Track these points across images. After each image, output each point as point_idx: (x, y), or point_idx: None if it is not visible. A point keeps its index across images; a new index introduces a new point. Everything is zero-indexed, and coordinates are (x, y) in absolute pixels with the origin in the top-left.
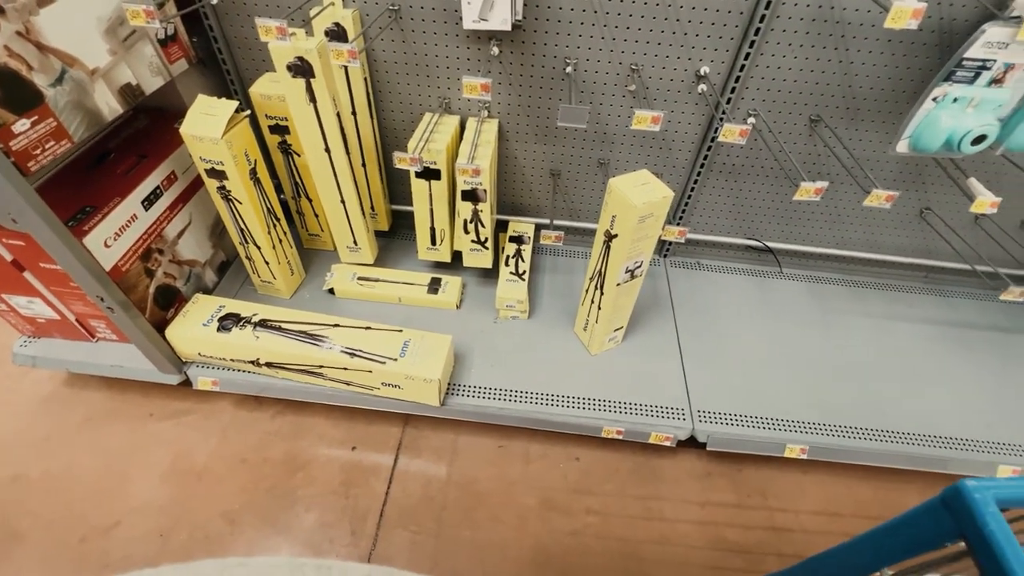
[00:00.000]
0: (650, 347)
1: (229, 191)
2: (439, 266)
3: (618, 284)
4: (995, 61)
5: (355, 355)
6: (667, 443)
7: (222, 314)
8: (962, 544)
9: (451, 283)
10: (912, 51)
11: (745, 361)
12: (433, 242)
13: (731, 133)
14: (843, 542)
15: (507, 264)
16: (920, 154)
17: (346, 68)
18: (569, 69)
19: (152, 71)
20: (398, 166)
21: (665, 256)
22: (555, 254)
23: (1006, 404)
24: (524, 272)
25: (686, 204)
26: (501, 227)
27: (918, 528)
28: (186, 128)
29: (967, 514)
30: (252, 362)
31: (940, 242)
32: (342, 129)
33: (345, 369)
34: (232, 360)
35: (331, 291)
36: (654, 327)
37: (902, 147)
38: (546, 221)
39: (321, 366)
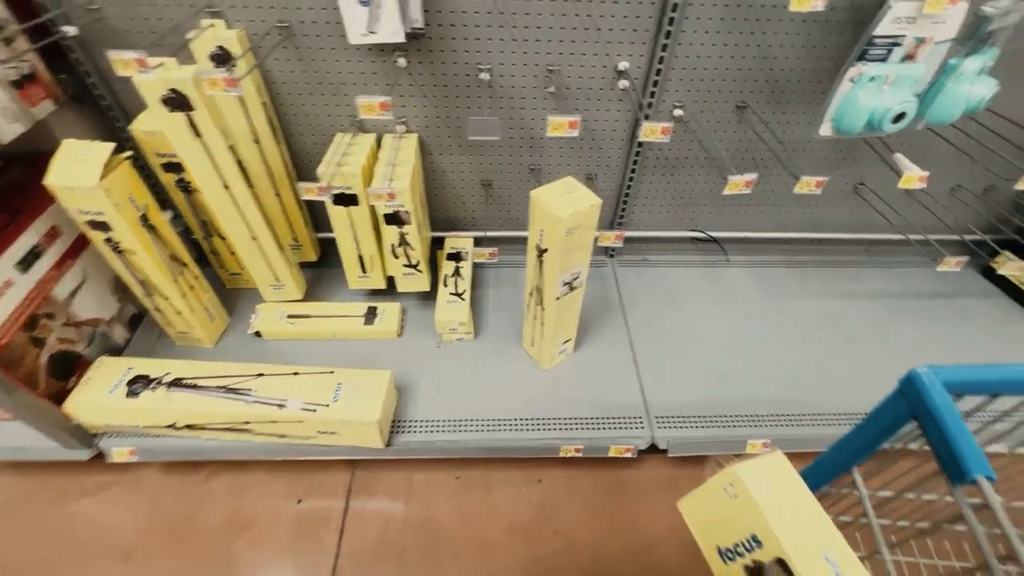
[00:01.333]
0: (603, 354)
1: (118, 243)
2: (376, 292)
3: (557, 298)
4: (905, 36)
5: (283, 406)
6: (628, 455)
7: (130, 377)
8: (916, 425)
9: (388, 311)
10: (827, 30)
11: (700, 357)
12: (363, 270)
13: (653, 132)
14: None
15: (445, 284)
16: (844, 136)
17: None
18: (484, 75)
19: (7, 117)
20: (305, 198)
21: (611, 256)
22: (498, 265)
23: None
24: (464, 292)
25: (625, 202)
26: (438, 244)
27: (881, 418)
28: (53, 179)
29: (917, 395)
30: (170, 426)
31: (878, 215)
32: (240, 162)
33: (274, 422)
34: (147, 427)
35: (258, 334)
36: (605, 332)
37: (825, 130)
38: (482, 235)
39: (247, 422)
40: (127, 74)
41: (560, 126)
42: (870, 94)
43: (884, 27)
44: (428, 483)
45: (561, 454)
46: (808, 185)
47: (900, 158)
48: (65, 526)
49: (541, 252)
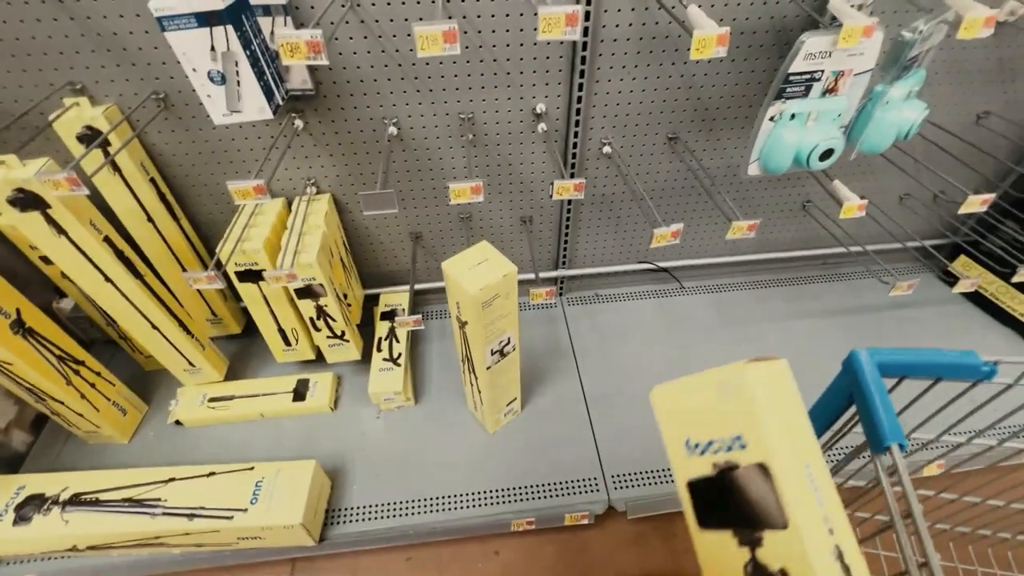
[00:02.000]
0: (554, 409)
1: None
2: (309, 361)
3: (488, 367)
4: (823, 71)
5: (194, 516)
6: (584, 521)
7: (20, 500)
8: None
9: (321, 382)
10: (751, 54)
11: None
12: (287, 343)
13: (565, 190)
14: None
15: (379, 349)
16: (774, 175)
17: (121, 174)
18: (391, 129)
19: None
20: (196, 287)
21: (561, 295)
22: (440, 316)
23: None
24: (399, 355)
25: (566, 241)
26: (374, 301)
27: (828, 397)
28: None
29: (854, 374)
30: (71, 549)
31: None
32: (119, 252)
33: (187, 534)
34: (45, 552)
35: (179, 422)
36: (556, 383)
37: (753, 170)
38: (422, 287)
39: (157, 536)
40: None
41: (463, 193)
42: (793, 132)
43: (798, 64)
44: (376, 568)
45: (513, 528)
46: (740, 230)
47: (839, 187)
48: None
49: (462, 324)
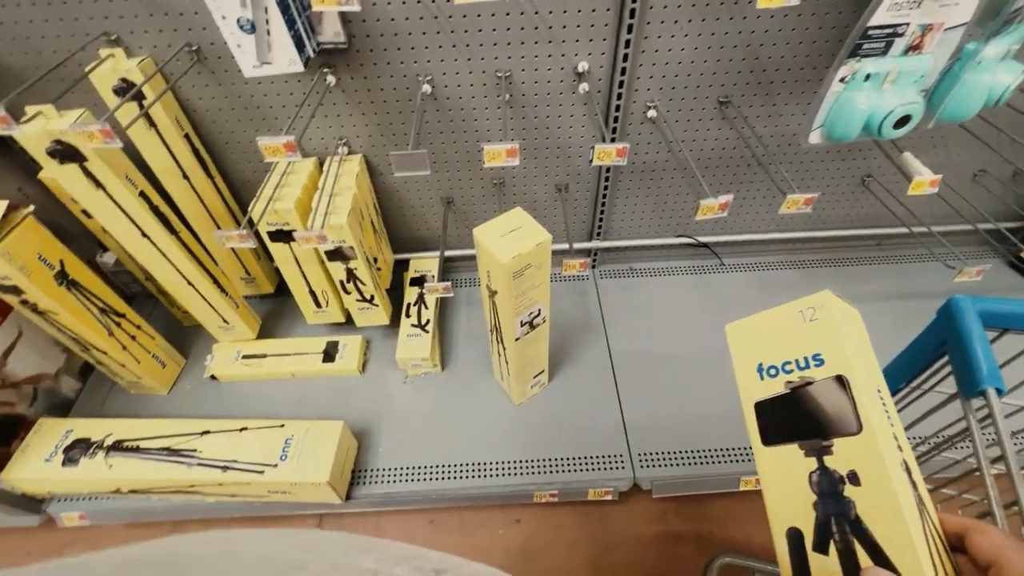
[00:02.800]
0: (581, 384)
1: (35, 304)
2: (339, 324)
3: (517, 339)
4: (907, 25)
5: (228, 468)
6: (608, 497)
7: (68, 442)
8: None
9: (350, 345)
10: (821, 7)
11: (689, 381)
12: (318, 304)
13: (607, 155)
14: None
15: (408, 315)
16: (838, 143)
17: (156, 129)
18: (425, 87)
19: None
20: (228, 246)
21: (594, 267)
22: (470, 284)
23: None
24: (428, 322)
25: (602, 211)
26: (404, 266)
27: (917, 346)
28: None
29: (951, 320)
30: (115, 491)
31: (888, 209)
32: (155, 208)
33: (221, 484)
34: (92, 492)
35: (214, 377)
36: (584, 357)
37: (815, 138)
38: (452, 254)
39: (192, 485)
40: None
41: (497, 155)
42: (867, 95)
43: (880, 15)
44: (400, 528)
45: (536, 499)
46: (796, 204)
47: (909, 159)
48: None
49: (492, 293)
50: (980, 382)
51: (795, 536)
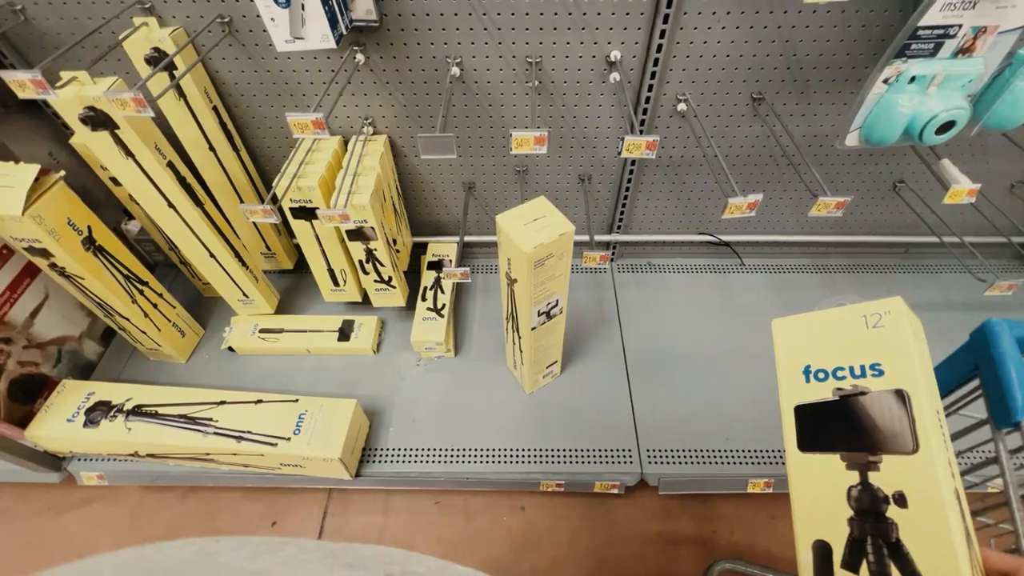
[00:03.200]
0: (593, 377)
1: (63, 268)
2: (355, 303)
3: (533, 328)
4: (959, 27)
5: (242, 438)
6: (614, 491)
7: (90, 404)
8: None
9: (365, 325)
10: (866, 4)
11: (701, 381)
12: (336, 283)
13: (636, 147)
14: None
15: (424, 298)
16: (876, 147)
17: (186, 100)
18: (454, 70)
19: None
20: (252, 220)
21: (612, 260)
22: (487, 271)
23: None
24: (443, 306)
25: (624, 204)
26: (421, 249)
27: (946, 368)
28: None
29: (984, 344)
30: (133, 455)
31: (920, 217)
32: (183, 179)
33: (235, 454)
34: (111, 454)
35: (231, 348)
36: (598, 350)
37: (852, 140)
38: (471, 240)
39: (207, 453)
40: (28, 96)
41: (525, 142)
42: (910, 98)
43: (932, 15)
44: (406, 506)
45: (542, 488)
46: (827, 207)
47: (947, 167)
48: (45, 541)
49: (511, 281)
50: (1016, 413)
51: (823, 549)
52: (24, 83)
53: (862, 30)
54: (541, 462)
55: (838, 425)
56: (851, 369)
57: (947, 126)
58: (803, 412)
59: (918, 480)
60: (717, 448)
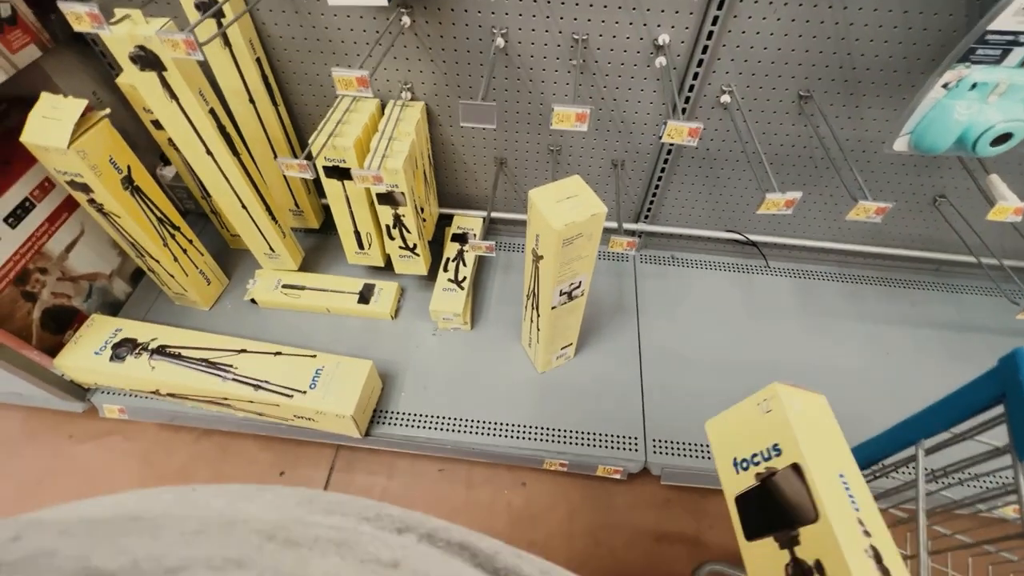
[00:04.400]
0: (606, 363)
1: (101, 204)
2: (378, 267)
3: (553, 308)
4: None
5: (259, 387)
6: (617, 476)
7: (117, 340)
8: (1000, 409)
9: (385, 290)
10: (931, 7)
11: (713, 379)
12: (360, 246)
13: (679, 133)
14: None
15: (446, 269)
16: (924, 154)
17: (231, 49)
18: (499, 41)
19: None
20: (287, 174)
21: (636, 249)
22: (509, 249)
23: None
24: (464, 279)
25: (654, 194)
26: (447, 220)
27: (967, 394)
28: (28, 136)
29: (1014, 372)
30: (154, 392)
31: (957, 234)
32: (222, 128)
33: (251, 402)
34: (133, 389)
35: (253, 300)
36: (614, 337)
37: (900, 145)
38: (497, 215)
39: (225, 398)
40: (83, 30)
41: (567, 118)
42: (968, 106)
43: (1005, 20)
44: (410, 471)
45: (545, 466)
46: (866, 211)
47: (995, 183)
48: (63, 467)
49: (537, 258)
50: None
51: None
52: (81, 16)
53: (922, 33)
54: (547, 440)
55: (766, 508)
56: (762, 454)
57: (1003, 138)
58: (741, 502)
59: (826, 546)
60: None
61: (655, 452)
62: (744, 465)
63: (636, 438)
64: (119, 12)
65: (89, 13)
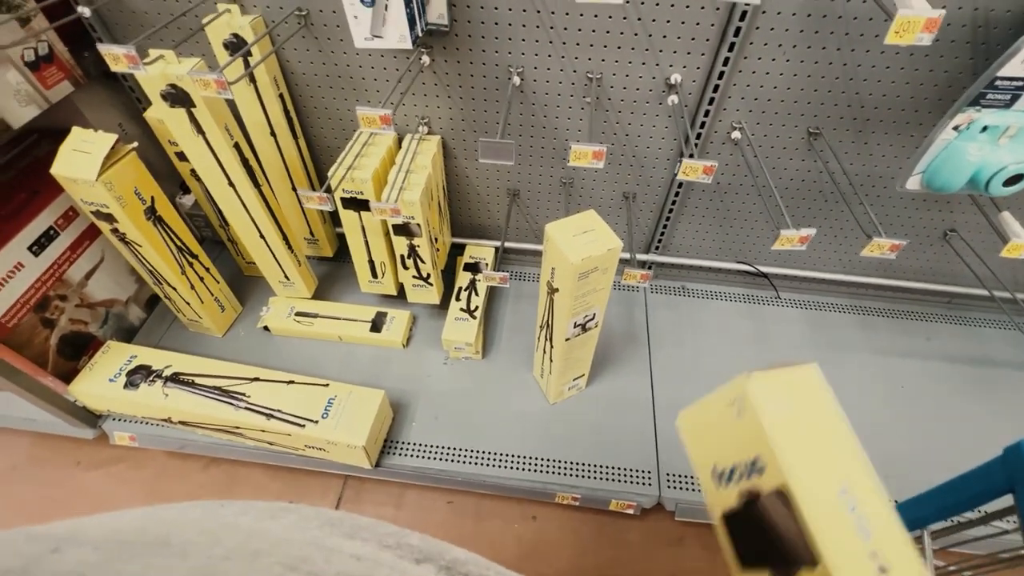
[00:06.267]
0: (619, 394)
1: (124, 234)
2: (390, 296)
3: (567, 339)
4: None
5: (272, 416)
6: (630, 511)
7: (132, 367)
8: (1009, 499)
9: (398, 319)
10: (937, 51)
11: None
12: (374, 275)
13: (694, 171)
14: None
15: (458, 298)
16: (936, 193)
17: (255, 86)
18: (515, 79)
19: (20, 100)
20: (307, 207)
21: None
22: (521, 279)
23: None
24: (476, 308)
25: (665, 225)
26: (459, 250)
27: (972, 483)
28: (58, 168)
29: (1019, 463)
30: (166, 420)
31: (967, 268)
32: (245, 160)
33: (263, 431)
34: (146, 416)
35: (266, 328)
36: (626, 368)
37: (913, 184)
38: (509, 245)
39: (237, 427)
40: (120, 70)
41: (584, 155)
42: (979, 148)
43: (1014, 67)
44: (419, 503)
45: (557, 500)
46: (880, 248)
47: (1008, 220)
48: (70, 496)
49: (552, 290)
50: None
51: None
52: (118, 57)
53: (929, 75)
54: (558, 473)
55: (756, 538)
56: (742, 468)
57: (1016, 179)
58: (729, 522)
59: None
60: None
61: (669, 487)
62: (726, 477)
63: (649, 472)
64: (153, 52)
65: (127, 55)
